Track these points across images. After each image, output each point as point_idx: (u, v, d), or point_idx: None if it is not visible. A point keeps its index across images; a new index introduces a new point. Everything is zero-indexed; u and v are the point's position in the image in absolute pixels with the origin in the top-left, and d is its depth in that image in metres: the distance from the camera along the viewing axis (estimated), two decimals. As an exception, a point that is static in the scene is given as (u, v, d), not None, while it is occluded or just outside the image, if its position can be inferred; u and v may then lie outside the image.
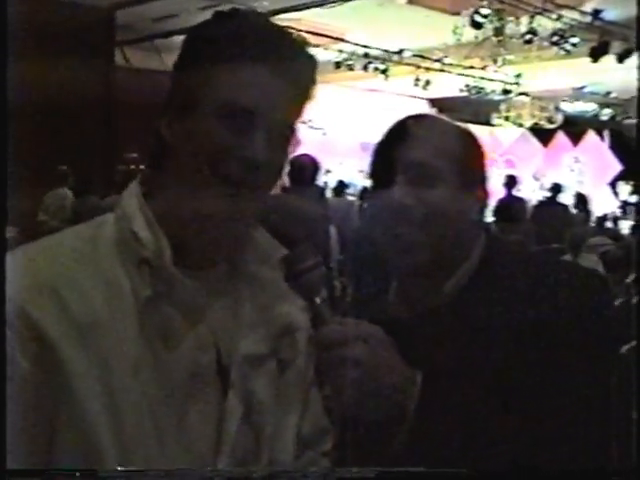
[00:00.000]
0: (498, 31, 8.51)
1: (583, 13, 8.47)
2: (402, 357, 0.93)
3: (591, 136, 12.86)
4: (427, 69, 10.75)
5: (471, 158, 1.07)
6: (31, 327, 0.77)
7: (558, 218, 4.33)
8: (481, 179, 1.10)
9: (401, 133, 1.05)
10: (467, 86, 11.44)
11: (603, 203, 10.94)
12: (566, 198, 8.07)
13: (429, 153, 1.02)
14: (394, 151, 1.04)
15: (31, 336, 0.77)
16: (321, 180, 7.35)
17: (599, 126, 13.41)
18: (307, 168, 3.90)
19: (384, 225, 1.04)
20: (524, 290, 1.00)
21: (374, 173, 1.08)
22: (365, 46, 10.15)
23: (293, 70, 0.85)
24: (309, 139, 11.23)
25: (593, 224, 8.22)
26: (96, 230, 0.87)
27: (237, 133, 0.82)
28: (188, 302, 0.86)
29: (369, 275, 1.17)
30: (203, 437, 0.85)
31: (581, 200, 8.14)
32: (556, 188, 7.81)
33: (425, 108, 11.99)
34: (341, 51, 10.28)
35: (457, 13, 8.29)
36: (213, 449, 0.85)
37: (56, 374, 0.78)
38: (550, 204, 7.31)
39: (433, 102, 12.76)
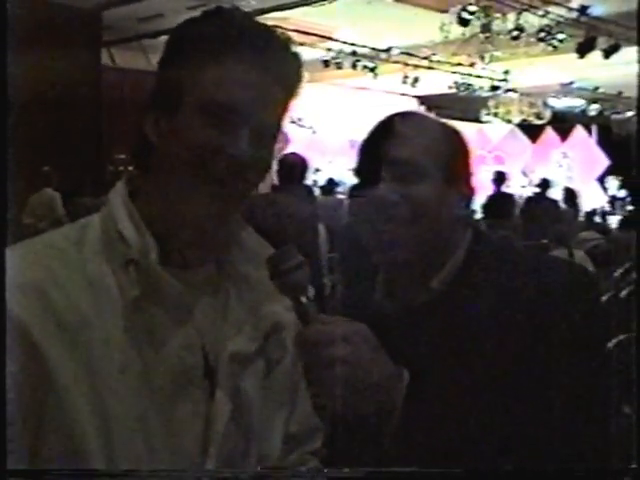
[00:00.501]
0: (485, 28, 8.53)
1: (570, 9, 8.51)
2: (390, 353, 0.93)
3: (579, 131, 12.96)
4: (415, 66, 10.78)
5: (456, 155, 1.08)
6: (17, 328, 0.76)
7: (547, 214, 4.34)
8: (466, 175, 1.10)
9: (386, 130, 1.05)
10: (455, 83, 11.49)
11: (592, 198, 11.00)
12: (555, 193, 8.11)
13: (414, 150, 1.03)
14: (379, 148, 1.04)
15: (17, 337, 0.76)
16: (310, 179, 7.36)
17: (587, 121, 13.51)
18: (296, 167, 3.90)
19: (369, 222, 1.04)
20: (510, 285, 1.00)
21: (360, 170, 1.08)
22: (353, 44, 10.17)
23: (278, 68, 0.85)
24: (298, 138, 11.26)
25: (582, 219, 8.26)
26: (82, 231, 0.86)
27: (222, 131, 0.82)
28: (175, 302, 0.85)
29: (357, 272, 1.17)
30: (191, 437, 0.84)
31: (570, 195, 8.17)
32: (545, 184, 7.84)
33: (414, 105, 12.01)
34: (329, 49, 10.29)
35: (444, 10, 8.31)
36: (201, 449, 0.84)
37: (42, 375, 0.77)
38: (539, 200, 7.33)
39: (422, 99, 12.79)
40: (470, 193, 1.10)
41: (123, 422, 0.80)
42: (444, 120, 1.14)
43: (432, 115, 1.16)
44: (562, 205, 7.64)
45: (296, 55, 0.88)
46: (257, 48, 0.83)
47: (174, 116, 0.83)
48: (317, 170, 10.81)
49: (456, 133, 1.10)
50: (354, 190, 1.10)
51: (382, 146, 1.04)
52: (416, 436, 0.92)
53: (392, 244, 1.03)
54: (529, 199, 7.88)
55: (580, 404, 0.96)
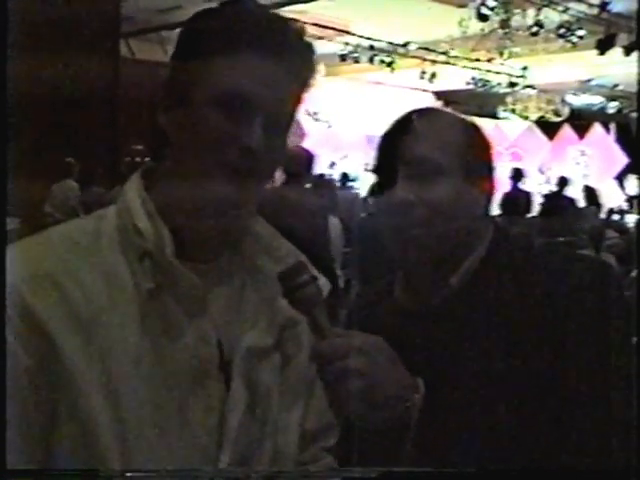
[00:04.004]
0: (504, 23, 8.48)
1: (590, 5, 8.42)
2: (408, 350, 0.93)
3: (597, 129, 12.82)
4: (433, 62, 10.71)
5: (476, 151, 1.07)
6: (32, 320, 0.77)
7: (565, 211, 4.30)
8: (487, 172, 1.09)
9: (404, 128, 1.05)
10: (473, 79, 11.40)
11: (609, 196, 10.89)
12: (573, 191, 8.05)
13: (432, 148, 1.02)
14: (397, 146, 1.03)
15: (32, 329, 0.77)
16: (326, 173, 7.36)
17: (606, 119, 13.36)
18: (301, 159, 3.87)
19: (387, 221, 1.04)
20: (532, 282, 0.99)
21: (377, 169, 1.08)
22: (371, 38, 10.11)
23: (292, 59, 0.84)
24: (314, 132, 11.24)
25: (602, 217, 8.19)
26: (98, 223, 0.87)
27: (235, 122, 0.82)
28: (190, 294, 0.85)
29: (374, 269, 1.18)
30: (205, 430, 0.84)
31: (590, 193, 8.10)
32: (563, 181, 7.78)
33: (431, 101, 11.95)
34: (347, 43, 10.24)
35: (463, 5, 8.26)
36: (216, 442, 0.84)
37: (57, 367, 0.77)
38: (556, 197, 7.28)
39: (439, 95, 12.71)
40: (491, 189, 1.09)
41: (137, 414, 0.80)
42: (464, 116, 1.12)
43: (451, 111, 1.15)
44: (582, 203, 7.57)
45: (310, 46, 0.88)
46: (270, 39, 0.83)
47: (187, 107, 0.83)
48: (332, 164, 10.80)
49: (476, 129, 1.09)
50: (372, 188, 1.10)
51: (399, 144, 1.03)
52: (434, 435, 0.91)
53: (409, 243, 1.02)
54: (547, 197, 7.82)
55: (602, 401, 0.94)
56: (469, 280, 1.04)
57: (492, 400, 0.94)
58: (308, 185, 4.11)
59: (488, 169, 1.09)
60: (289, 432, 0.92)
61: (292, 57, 0.84)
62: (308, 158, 3.92)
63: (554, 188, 8.06)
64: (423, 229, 1.01)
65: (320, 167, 9.52)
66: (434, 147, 1.02)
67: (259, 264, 0.93)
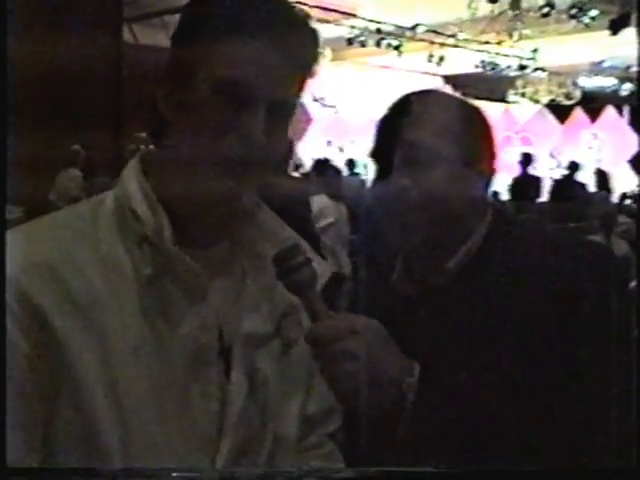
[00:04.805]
0: (514, 4, 8.37)
1: (603, -16, 8.27)
2: (407, 334, 0.93)
3: (610, 112, 12.63)
4: (441, 45, 10.64)
5: (476, 134, 1.06)
6: (30, 307, 0.76)
7: (575, 197, 4.21)
8: (488, 155, 1.08)
9: (401, 111, 1.04)
10: (482, 62, 11.30)
11: (623, 181, 10.76)
12: (584, 176, 7.93)
13: (429, 132, 1.02)
14: (395, 130, 1.03)
15: (30, 316, 0.76)
16: (331, 158, 7.29)
17: (619, 102, 13.16)
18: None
19: (384, 206, 1.05)
20: (529, 267, 0.99)
21: (375, 153, 1.07)
22: (378, 22, 10.01)
23: (293, 45, 0.82)
24: (320, 117, 11.16)
25: (614, 202, 8.08)
26: (96, 208, 0.86)
27: (234, 108, 0.81)
28: (189, 280, 0.84)
29: (376, 255, 1.17)
30: (206, 417, 0.84)
31: (602, 177, 7.98)
32: (573, 166, 7.67)
33: (439, 85, 11.82)
34: (353, 27, 10.18)
35: (472, -14, 8.11)
36: (216, 429, 0.84)
37: (56, 355, 0.77)
38: (567, 182, 7.19)
39: (447, 79, 12.58)
40: (491, 172, 1.08)
41: (137, 401, 0.80)
42: (465, 98, 1.12)
43: (453, 93, 1.17)
44: (593, 188, 7.48)
45: (314, 31, 0.87)
46: (271, 24, 0.81)
47: (187, 93, 0.83)
48: (340, 150, 10.71)
49: (476, 111, 1.09)
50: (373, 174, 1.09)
51: (396, 127, 1.03)
52: (431, 420, 0.92)
53: (406, 228, 1.03)
54: (557, 182, 7.74)
55: (601, 392, 0.93)
56: (467, 264, 1.04)
57: (489, 385, 0.94)
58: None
59: (489, 152, 1.08)
60: (289, 418, 0.93)
61: (295, 43, 0.83)
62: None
63: (565, 172, 7.95)
64: (419, 214, 1.01)
65: (326, 152, 9.46)
66: (431, 131, 1.02)
67: (260, 250, 0.92)
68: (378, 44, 10.29)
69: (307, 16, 0.87)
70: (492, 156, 1.08)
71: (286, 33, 0.82)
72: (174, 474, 0.73)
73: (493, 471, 0.78)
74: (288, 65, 0.83)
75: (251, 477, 0.82)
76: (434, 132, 1.02)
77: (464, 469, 0.77)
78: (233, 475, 0.84)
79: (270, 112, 0.82)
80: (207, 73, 0.81)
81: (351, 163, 8.53)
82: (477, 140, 1.06)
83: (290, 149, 3.90)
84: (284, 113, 0.85)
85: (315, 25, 0.87)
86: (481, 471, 0.77)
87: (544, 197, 6.51)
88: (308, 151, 9.65)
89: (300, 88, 0.87)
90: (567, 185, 5.29)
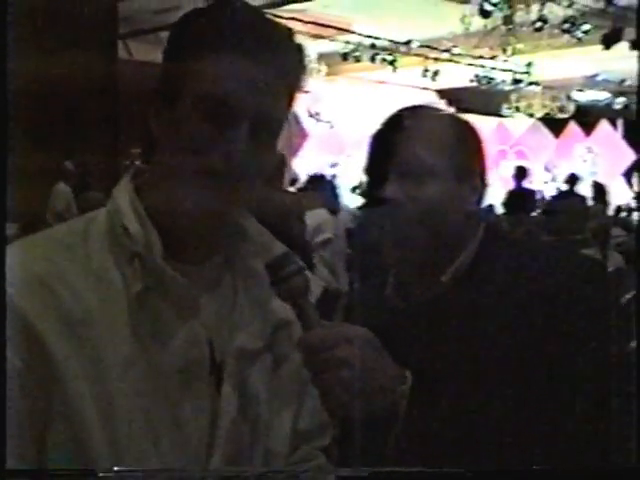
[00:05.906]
0: (507, 19, 8.42)
1: (595, -1, 8.32)
2: (399, 348, 0.93)
3: (604, 125, 12.70)
4: (435, 59, 10.69)
5: (468, 149, 1.08)
6: (22, 322, 0.77)
7: (574, 209, 4.21)
8: (480, 169, 1.09)
9: (394, 127, 1.05)
10: (476, 76, 11.35)
11: (617, 194, 10.78)
12: (581, 189, 7.94)
13: (421, 147, 1.03)
14: (387, 145, 1.04)
15: (21, 331, 0.77)
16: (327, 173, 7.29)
17: (612, 115, 13.22)
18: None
19: (378, 221, 1.06)
20: (523, 280, 1.00)
21: (368, 168, 1.08)
22: (372, 37, 10.06)
23: (279, 61, 0.83)
24: (316, 132, 11.18)
25: (609, 215, 8.09)
26: (88, 225, 0.87)
27: (219, 125, 0.81)
28: (180, 297, 0.85)
29: (370, 269, 1.18)
30: (197, 432, 0.84)
31: (599, 190, 7.99)
32: (572, 179, 7.69)
33: (434, 99, 11.86)
34: (348, 42, 10.22)
35: (465, 1, 8.23)
36: (207, 444, 0.84)
37: (46, 370, 0.77)
38: (566, 195, 7.20)
39: (442, 93, 12.63)
40: (482, 187, 1.09)
41: (128, 416, 0.80)
42: (456, 114, 1.15)
43: (444, 108, 1.19)
44: (590, 201, 7.49)
45: (299, 47, 0.88)
46: (257, 40, 0.82)
47: (174, 109, 0.83)
48: (334, 165, 10.71)
49: (468, 126, 1.10)
50: (366, 188, 1.10)
51: (389, 143, 1.04)
52: (423, 434, 0.92)
53: (399, 243, 1.04)
54: (555, 195, 7.75)
55: (590, 399, 0.94)
56: (460, 278, 1.05)
57: (482, 397, 0.95)
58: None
59: (479, 166, 1.09)
60: (280, 434, 0.93)
61: (280, 59, 0.84)
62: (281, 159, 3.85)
63: (561, 186, 7.96)
64: (412, 228, 1.02)
65: (321, 168, 9.46)
66: (423, 146, 1.03)
67: (251, 265, 0.92)
68: (373, 59, 10.34)
69: (292, 33, 0.87)
70: (484, 170, 1.10)
71: (271, 49, 0.82)
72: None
73: (493, 471, 0.78)
74: (273, 81, 0.83)
75: (244, 477, 0.84)
76: (427, 147, 1.03)
77: (460, 469, 0.77)
78: (223, 475, 0.86)
79: (255, 127, 0.82)
80: (191, 89, 0.82)
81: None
82: (469, 155, 1.08)
83: (284, 164, 3.89)
84: (270, 128, 0.85)
85: (307, 41, 0.87)
86: (481, 471, 0.77)
87: (540, 209, 6.53)
88: (304, 166, 9.66)
89: (288, 103, 0.87)
90: (565, 198, 5.31)
